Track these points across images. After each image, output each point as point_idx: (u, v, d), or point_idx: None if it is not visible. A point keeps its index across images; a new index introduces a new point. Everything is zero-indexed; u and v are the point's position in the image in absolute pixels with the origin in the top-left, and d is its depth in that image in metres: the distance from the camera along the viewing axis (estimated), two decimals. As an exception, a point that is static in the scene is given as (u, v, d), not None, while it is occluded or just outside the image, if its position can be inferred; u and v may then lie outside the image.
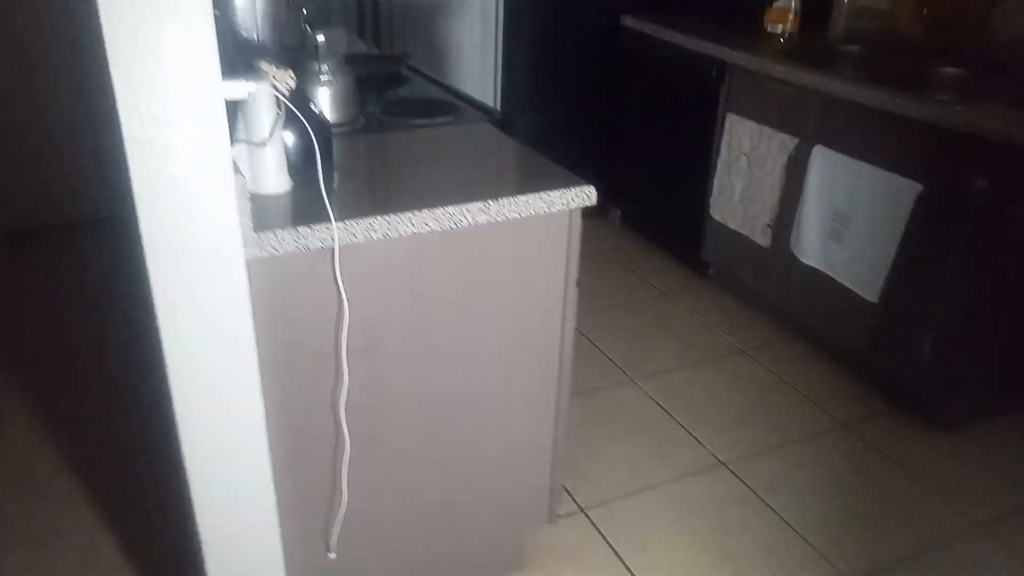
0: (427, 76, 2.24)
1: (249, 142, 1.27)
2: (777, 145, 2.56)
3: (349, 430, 1.38)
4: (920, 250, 2.17)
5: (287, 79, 1.24)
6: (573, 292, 1.53)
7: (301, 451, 1.38)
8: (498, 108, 3.29)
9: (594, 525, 1.91)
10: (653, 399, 2.39)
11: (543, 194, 1.38)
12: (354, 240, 1.25)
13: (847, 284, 2.38)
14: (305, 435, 1.37)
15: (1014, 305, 2.16)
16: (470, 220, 1.33)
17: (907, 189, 2.15)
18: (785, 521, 1.94)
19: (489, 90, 3.38)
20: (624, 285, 3.05)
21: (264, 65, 1.23)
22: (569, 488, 2.02)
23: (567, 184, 1.41)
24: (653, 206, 3.30)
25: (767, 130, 2.60)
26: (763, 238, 2.69)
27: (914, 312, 2.23)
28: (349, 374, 1.33)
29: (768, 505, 1.99)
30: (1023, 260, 2.09)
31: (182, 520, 1.32)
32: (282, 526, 1.38)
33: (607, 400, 2.38)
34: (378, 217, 1.25)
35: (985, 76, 2.41)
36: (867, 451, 2.20)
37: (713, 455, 2.16)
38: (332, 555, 1.49)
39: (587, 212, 1.46)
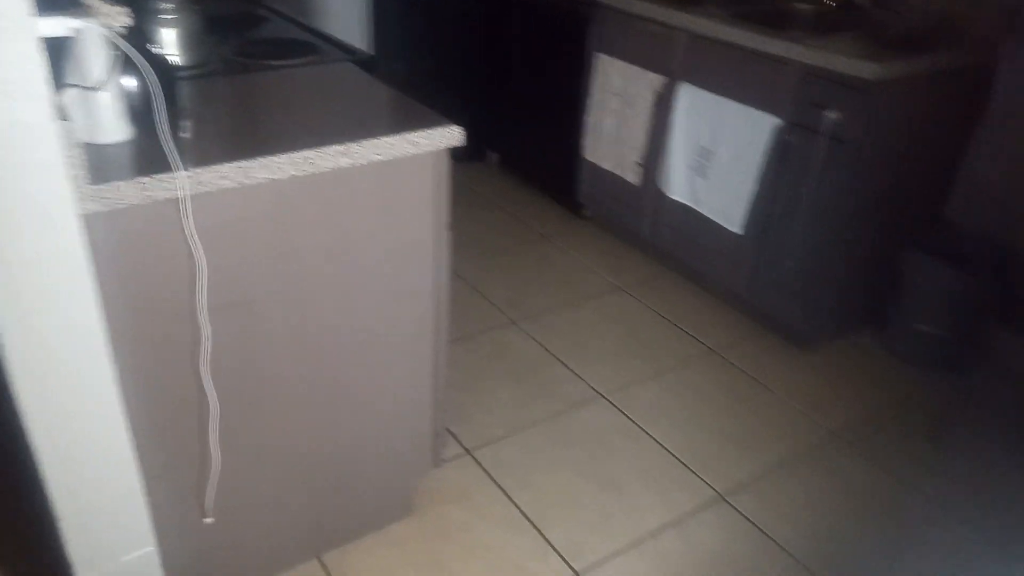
0: (288, 17, 2.12)
1: (81, 86, 1.16)
2: (645, 84, 2.60)
3: (217, 390, 1.32)
4: (779, 181, 2.28)
5: (119, 16, 1.13)
6: (446, 236, 1.51)
7: (167, 417, 1.32)
8: (370, 53, 3.17)
9: (480, 466, 1.94)
10: (535, 340, 2.42)
11: (408, 135, 1.34)
12: (205, 190, 1.18)
13: (712, 217, 2.48)
14: (170, 400, 1.31)
15: (865, 231, 2.31)
16: (331, 164, 1.28)
17: (766, 123, 2.24)
18: (662, 446, 2.03)
19: (360, 35, 3.26)
20: (504, 229, 3.05)
21: (90, 0, 1.12)
22: (455, 431, 2.03)
23: (433, 124, 1.38)
24: (529, 149, 3.30)
25: (635, 69, 2.63)
26: (634, 176, 2.75)
27: (774, 240, 2.35)
28: (212, 332, 1.27)
29: (646, 432, 2.07)
30: (872, 188, 2.23)
31: (38, 496, 1.23)
32: (151, 494, 1.32)
33: (490, 343, 2.40)
34: (230, 164, 1.18)
35: (841, 12, 2.53)
36: (735, 374, 2.32)
37: (593, 389, 2.22)
38: (209, 519, 1.44)
39: (465, 157, 1.44)
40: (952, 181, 2.47)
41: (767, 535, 1.79)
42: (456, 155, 1.44)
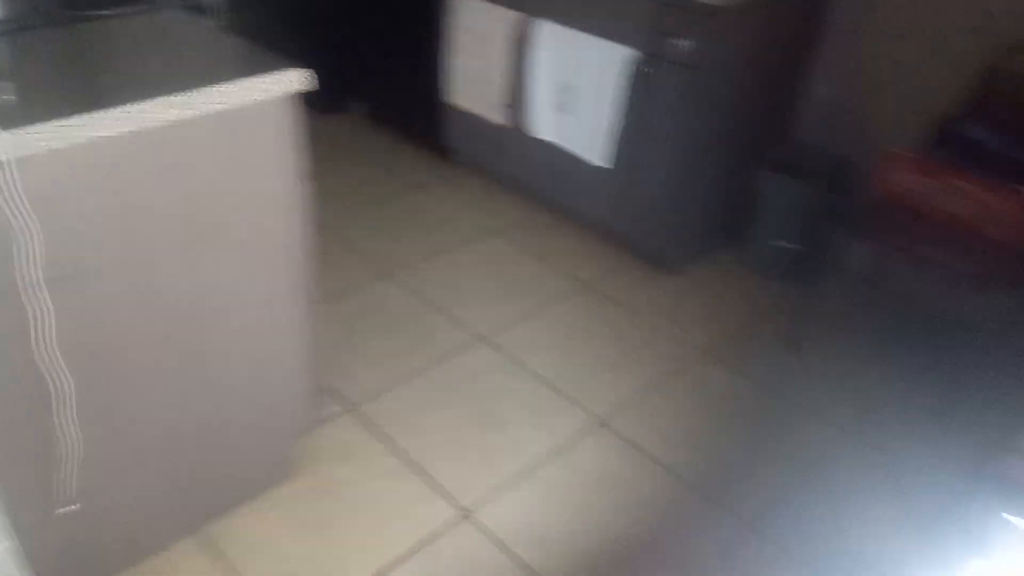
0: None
1: None
2: (502, 21, 2.57)
3: (69, 368, 1.23)
4: (638, 112, 2.33)
5: None
6: (304, 188, 1.45)
7: (10, 405, 1.22)
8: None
9: (364, 420, 1.92)
10: (412, 290, 2.40)
11: (250, 81, 1.27)
12: (31, 152, 1.08)
13: (577, 153, 2.51)
14: (10, 386, 1.21)
15: (721, 154, 2.40)
16: (169, 116, 1.20)
17: (622, 55, 2.27)
18: (543, 380, 2.08)
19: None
20: (374, 180, 2.98)
21: None
22: (335, 389, 2.00)
23: (276, 69, 1.31)
24: (395, 97, 3.22)
25: (491, 6, 2.59)
26: (499, 117, 2.74)
27: (637, 170, 2.41)
28: (53, 307, 1.18)
29: (527, 368, 2.11)
30: (725, 112, 2.31)
31: None
32: (6, 489, 1.23)
33: (367, 297, 2.36)
34: (57, 122, 1.09)
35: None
36: (608, 304, 2.39)
37: (473, 333, 2.23)
38: (73, 507, 1.36)
39: (329, 109, 1.38)
40: (797, 101, 2.60)
41: (645, 453, 1.88)
42: (319, 107, 1.38)
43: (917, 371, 2.18)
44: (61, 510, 1.35)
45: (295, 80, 1.33)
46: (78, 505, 1.37)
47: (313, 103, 1.36)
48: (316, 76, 1.36)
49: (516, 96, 2.65)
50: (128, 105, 1.15)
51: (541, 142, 2.62)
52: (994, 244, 1.89)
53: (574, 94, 2.44)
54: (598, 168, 2.47)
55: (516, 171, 2.82)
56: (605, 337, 2.26)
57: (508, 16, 2.55)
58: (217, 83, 1.24)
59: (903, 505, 1.79)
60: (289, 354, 1.59)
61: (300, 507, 1.68)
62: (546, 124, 2.57)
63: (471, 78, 2.77)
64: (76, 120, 1.11)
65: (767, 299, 2.46)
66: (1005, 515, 0.40)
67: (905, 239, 2.05)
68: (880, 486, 1.84)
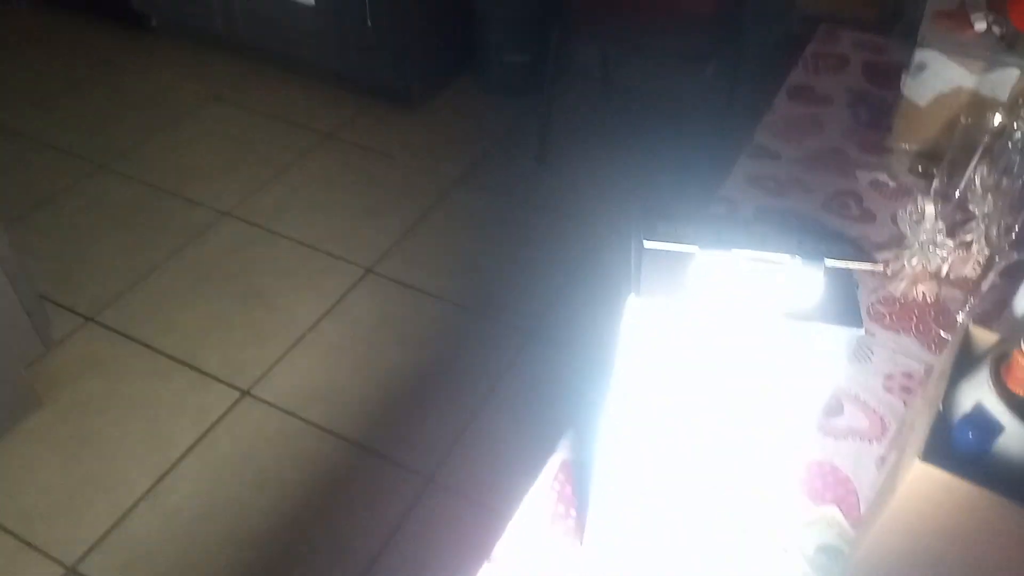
0: None
1: None
2: None
3: None
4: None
5: None
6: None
7: None
8: None
9: (108, 328, 1.75)
10: (133, 178, 2.15)
11: None
12: None
13: (283, -6, 2.29)
14: None
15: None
16: None
17: None
18: (300, 243, 1.99)
19: None
20: (57, 68, 2.57)
21: None
22: (67, 303, 1.79)
23: None
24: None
25: None
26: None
27: (351, 5, 2.25)
28: None
29: (280, 235, 2.00)
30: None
31: None
32: None
33: (81, 197, 2.09)
34: None
35: None
36: (354, 151, 2.30)
37: (213, 210, 2.06)
38: None
39: None
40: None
41: (416, 289, 1.89)
42: None
43: (657, 158, 2.31)
44: None
45: None
46: None
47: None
48: None
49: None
50: None
51: (241, -12, 2.35)
52: (686, 20, 1.99)
53: (262, -74, 2.18)
54: (306, 7, 2.28)
55: (220, 26, 2.54)
56: (358, 185, 2.18)
57: None
58: None
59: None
60: (-17, 276, 1.37)
61: (57, 433, 1.53)
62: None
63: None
64: None
65: (509, 116, 2.47)
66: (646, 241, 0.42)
67: (608, 28, 2.11)
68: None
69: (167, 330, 1.75)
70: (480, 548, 0.69)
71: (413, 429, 1.59)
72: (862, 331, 0.46)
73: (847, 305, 0.47)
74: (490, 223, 2.09)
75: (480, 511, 1.45)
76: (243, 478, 1.49)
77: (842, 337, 0.46)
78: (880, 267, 0.95)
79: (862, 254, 0.49)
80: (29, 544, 1.37)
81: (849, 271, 0.50)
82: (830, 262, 0.46)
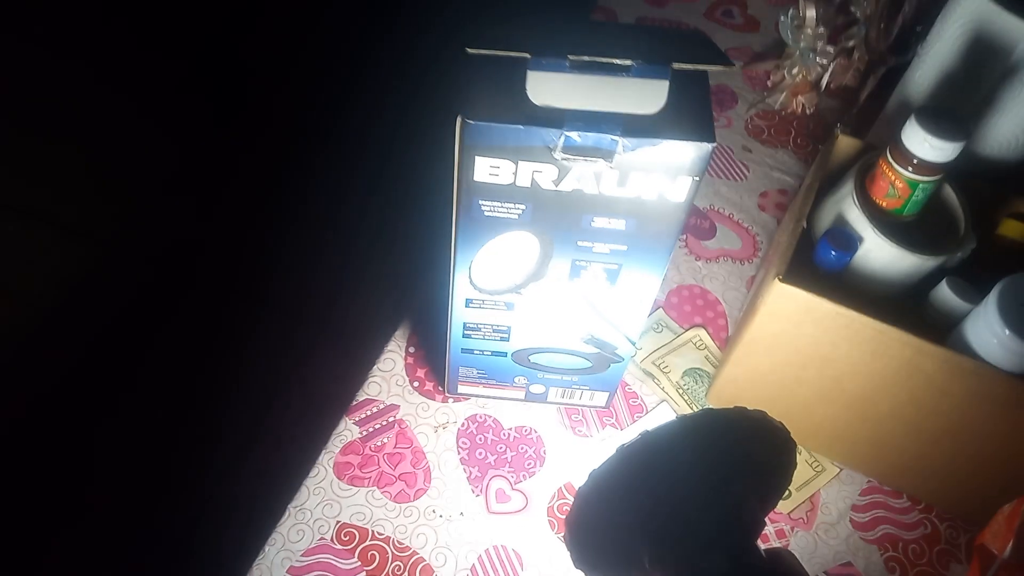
0: None
1: None
2: None
3: None
4: None
5: None
6: None
7: None
8: None
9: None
10: None
11: None
12: None
13: None
14: None
15: None
16: None
17: None
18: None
19: None
20: None
21: None
22: None
23: None
24: None
25: None
26: None
27: None
28: None
29: None
30: None
31: None
32: None
33: None
34: None
35: None
36: None
37: None
38: None
39: None
40: None
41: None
42: None
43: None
44: None
45: None
46: None
47: None
48: None
49: None
50: None
51: None
52: None
53: None
54: None
55: None
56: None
57: None
58: None
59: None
60: None
61: None
62: None
63: None
64: None
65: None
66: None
67: None
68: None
69: None
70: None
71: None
72: (713, 145, 0.41)
73: (699, 116, 0.42)
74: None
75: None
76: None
77: (691, 153, 0.41)
78: (734, 68, 0.90)
79: (717, 56, 0.43)
80: None
81: (703, 77, 0.44)
82: (678, 65, 0.40)
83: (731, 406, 0.41)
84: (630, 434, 0.63)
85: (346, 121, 1.76)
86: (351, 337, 1.34)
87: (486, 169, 0.44)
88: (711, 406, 0.62)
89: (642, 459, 0.38)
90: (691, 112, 0.42)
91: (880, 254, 0.55)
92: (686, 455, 0.39)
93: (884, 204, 0.55)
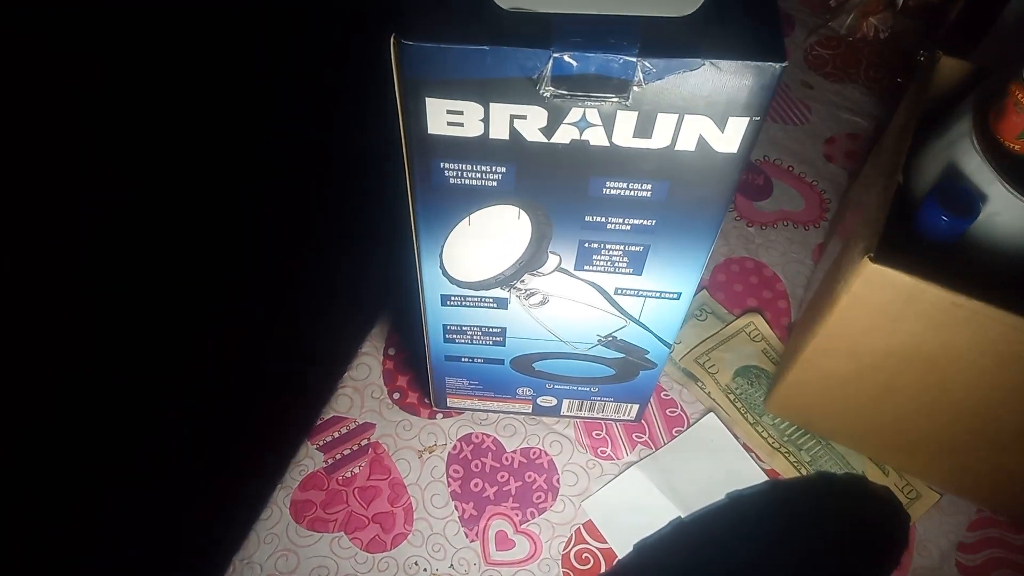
0: None
1: None
2: None
3: None
4: None
5: None
6: None
7: None
8: None
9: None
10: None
11: None
12: None
13: None
14: None
15: None
16: None
17: None
18: None
19: None
20: None
21: None
22: None
23: None
24: None
25: None
26: None
27: None
28: None
29: None
30: None
31: None
32: None
33: None
34: None
35: None
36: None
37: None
38: None
39: None
40: None
41: None
42: None
43: None
44: None
45: None
46: None
47: None
48: None
49: None
50: None
51: None
52: None
53: None
54: None
55: None
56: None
57: None
58: None
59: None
60: None
61: None
62: None
63: None
64: None
65: None
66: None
67: None
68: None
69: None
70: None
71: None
72: (783, 65, 0.26)
73: (756, 20, 0.27)
74: None
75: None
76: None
77: (747, 80, 0.27)
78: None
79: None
80: None
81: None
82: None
83: (844, 473, 0.26)
84: (668, 457, 0.49)
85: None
86: (314, 337, 1.20)
87: (442, 116, 0.29)
88: (772, 415, 0.47)
89: (711, 553, 0.25)
90: (744, 14, 0.27)
91: (1012, 217, 0.40)
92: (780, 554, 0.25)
93: (1018, 148, 0.40)
